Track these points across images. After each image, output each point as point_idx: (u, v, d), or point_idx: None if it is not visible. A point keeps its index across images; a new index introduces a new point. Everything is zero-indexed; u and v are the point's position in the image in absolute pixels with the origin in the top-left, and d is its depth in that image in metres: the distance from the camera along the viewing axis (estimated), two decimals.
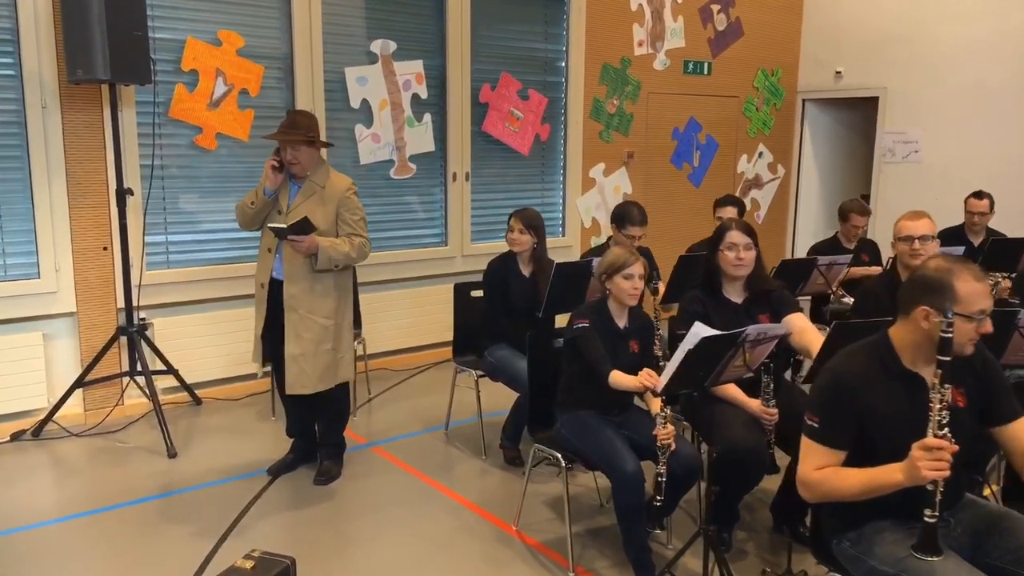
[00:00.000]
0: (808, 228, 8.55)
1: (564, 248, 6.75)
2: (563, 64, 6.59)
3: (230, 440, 4.55)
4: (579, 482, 4.02)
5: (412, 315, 6.00)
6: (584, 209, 6.86)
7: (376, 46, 5.60)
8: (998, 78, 6.83)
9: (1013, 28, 6.70)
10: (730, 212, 4.87)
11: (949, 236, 5.77)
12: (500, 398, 4.55)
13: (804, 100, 8.30)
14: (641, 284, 3.20)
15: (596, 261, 4.02)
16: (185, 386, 5.03)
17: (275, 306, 3.79)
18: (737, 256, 3.34)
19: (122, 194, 4.44)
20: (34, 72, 4.37)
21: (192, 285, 5.05)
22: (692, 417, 3.44)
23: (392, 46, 5.66)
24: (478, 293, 4.66)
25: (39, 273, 4.55)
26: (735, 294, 3.39)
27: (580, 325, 3.17)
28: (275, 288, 3.77)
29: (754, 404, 3.17)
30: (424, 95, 5.86)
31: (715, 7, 7.45)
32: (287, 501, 3.83)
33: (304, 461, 4.18)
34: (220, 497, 3.85)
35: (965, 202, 5.68)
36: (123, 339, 4.68)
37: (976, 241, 5.69)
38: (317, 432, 4.13)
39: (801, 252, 8.44)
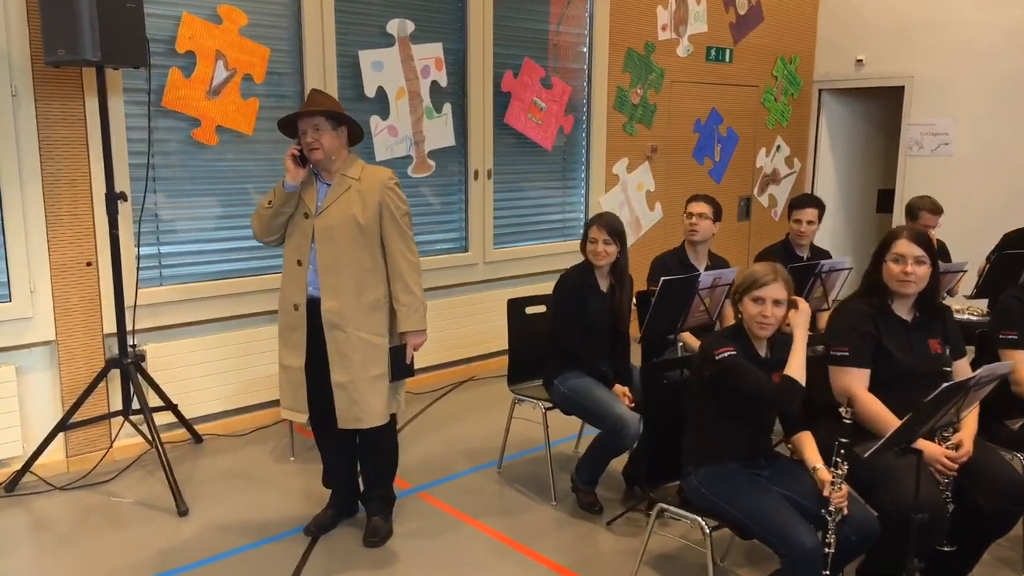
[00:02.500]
0: (825, 224, 8.10)
1: None
2: (585, 50, 5.99)
3: (247, 489, 3.85)
4: (673, 531, 3.44)
5: (431, 330, 5.32)
6: (608, 208, 6.28)
7: (393, 27, 4.92)
8: None
9: None
10: (810, 215, 4.35)
11: (1012, 241, 5.37)
12: (554, 426, 3.96)
13: (820, 90, 7.86)
14: (777, 312, 2.62)
15: (705, 275, 3.47)
16: (184, 422, 4.30)
17: (311, 329, 3.13)
18: (903, 270, 2.81)
19: (113, 199, 3.69)
20: (2, 52, 3.59)
21: (188, 304, 4.31)
22: (854, 467, 2.87)
23: (410, 27, 4.99)
24: (534, 310, 4.05)
25: (10, 295, 3.77)
26: (903, 310, 2.87)
27: (726, 354, 2.58)
28: (312, 308, 3.11)
29: (935, 449, 2.64)
30: (444, 83, 5.20)
31: None
32: (337, 570, 3.17)
33: (345, 516, 3.52)
34: (252, 569, 3.16)
35: None
36: (113, 371, 3.93)
37: None
38: (360, 480, 3.47)
39: None
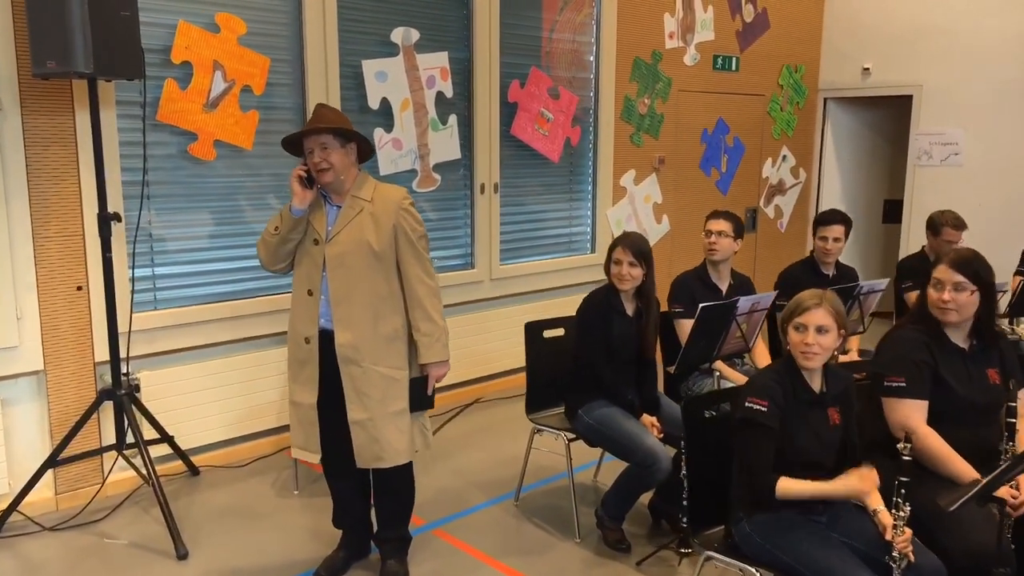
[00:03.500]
0: None
1: (594, 267, 5.98)
2: (592, 58, 5.81)
3: (250, 527, 3.62)
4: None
5: None
6: (615, 221, 6.10)
7: (397, 35, 4.71)
8: None
9: None
10: (837, 231, 4.17)
11: None
12: (575, 453, 3.75)
13: (826, 99, 7.72)
14: (822, 340, 2.41)
15: (744, 300, 3.27)
16: (180, 454, 4.06)
17: (323, 364, 2.91)
18: (940, 297, 2.64)
19: (106, 220, 3.45)
20: None
21: (184, 329, 4.08)
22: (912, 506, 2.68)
23: (415, 35, 4.78)
24: (552, 333, 3.85)
25: None
26: (959, 338, 2.69)
27: (756, 407, 2.38)
28: (325, 341, 2.89)
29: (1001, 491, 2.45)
30: (449, 93, 5.00)
31: None
32: None
33: (357, 558, 3.29)
34: None
35: None
36: (105, 403, 3.69)
37: None
38: (373, 519, 3.25)
39: None
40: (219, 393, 4.22)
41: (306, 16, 4.28)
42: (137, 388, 3.80)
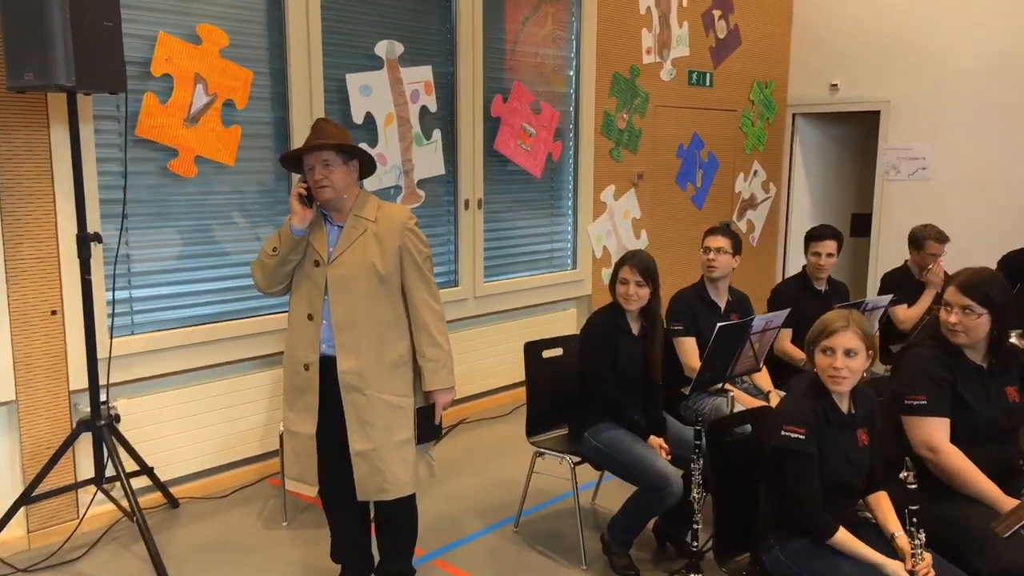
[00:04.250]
0: (799, 250, 8.03)
1: (575, 283, 5.92)
2: (572, 73, 5.76)
3: (238, 563, 3.44)
4: None
5: None
6: (595, 237, 6.05)
7: (381, 48, 4.59)
8: (1014, 92, 6.51)
9: None
10: (830, 247, 4.16)
11: (1013, 261, 5.32)
12: (566, 472, 3.66)
13: (794, 115, 7.81)
14: (851, 364, 2.36)
15: (758, 319, 3.22)
16: (160, 486, 3.86)
17: (323, 391, 2.76)
18: (947, 320, 2.63)
19: (86, 241, 3.27)
20: None
21: (163, 354, 3.88)
22: (930, 527, 2.64)
23: (399, 48, 4.67)
24: (551, 353, 3.76)
25: None
26: (978, 356, 2.67)
27: (794, 436, 2.33)
28: (325, 368, 2.75)
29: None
30: (433, 108, 4.89)
31: (716, 12, 6.83)
32: None
33: None
34: None
35: None
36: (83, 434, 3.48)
37: None
38: (375, 553, 3.11)
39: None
40: (199, 420, 4.03)
41: (290, 28, 4.14)
42: (117, 418, 3.60)
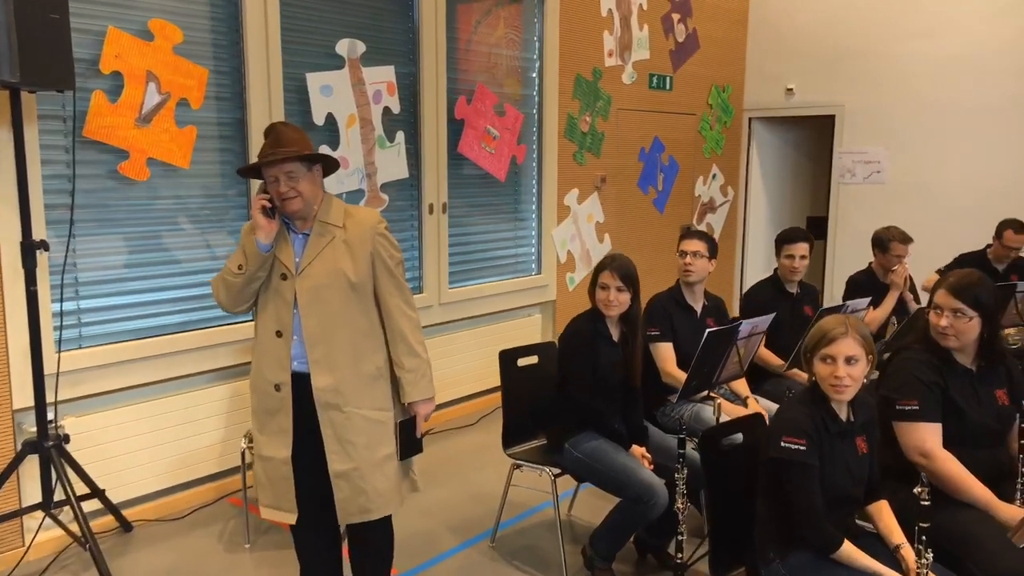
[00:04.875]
0: (757, 253, 8.11)
1: (540, 288, 5.82)
2: (535, 75, 5.67)
3: None
4: None
5: None
6: (560, 241, 5.96)
7: (342, 47, 4.43)
8: (966, 96, 6.64)
9: (980, 45, 6.52)
10: (803, 249, 4.14)
11: (968, 262, 5.40)
12: (538, 483, 3.55)
13: (751, 119, 7.85)
14: (853, 371, 2.29)
15: (746, 323, 3.15)
16: (112, 509, 3.63)
17: (298, 411, 2.56)
18: (938, 323, 2.59)
19: (32, 249, 3.04)
20: None
21: (113, 369, 3.66)
22: (933, 533, 2.59)
23: (360, 47, 4.51)
24: (526, 361, 3.65)
25: None
26: (967, 359, 2.64)
27: (794, 447, 2.25)
28: (298, 386, 2.54)
29: (1013, 511, 2.40)
30: (396, 109, 4.74)
31: (675, 16, 6.82)
32: None
33: None
34: None
35: (1000, 232, 5.30)
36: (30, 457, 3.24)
37: (1001, 267, 5.34)
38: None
39: (750, 279, 8.00)
40: (153, 438, 3.81)
41: (247, 24, 3.95)
42: (66, 438, 3.36)
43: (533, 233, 5.84)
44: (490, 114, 5.31)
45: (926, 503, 2.15)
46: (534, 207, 5.81)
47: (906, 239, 4.84)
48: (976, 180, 6.67)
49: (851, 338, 2.26)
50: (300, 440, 2.56)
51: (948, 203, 6.82)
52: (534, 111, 5.68)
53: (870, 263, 4.98)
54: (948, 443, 2.59)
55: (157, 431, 3.82)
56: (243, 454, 3.58)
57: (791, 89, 7.56)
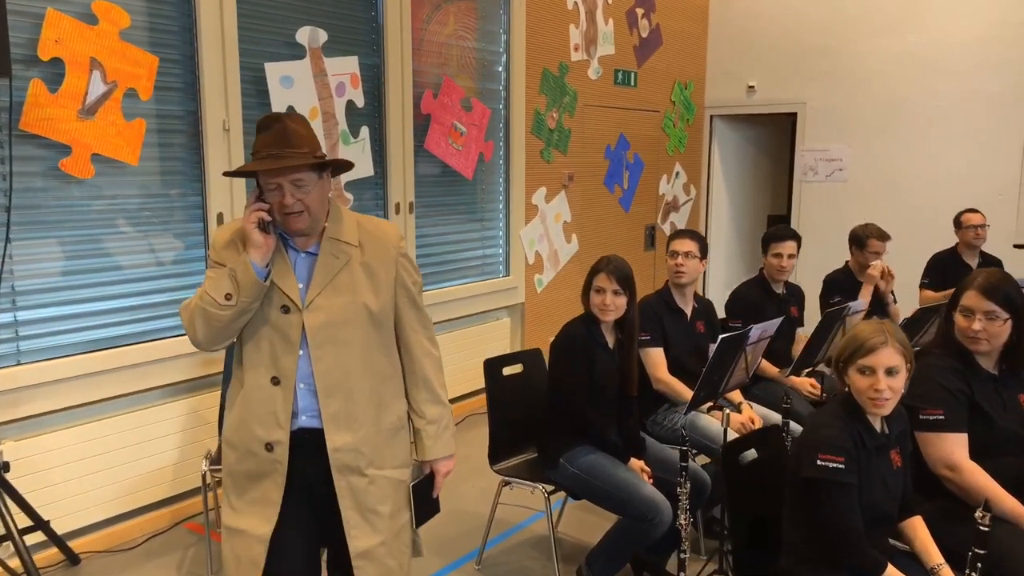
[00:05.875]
0: (719, 252, 8.03)
1: (509, 291, 5.60)
2: (501, 69, 5.45)
3: None
4: None
5: None
6: (528, 242, 5.75)
7: (303, 35, 4.14)
8: (928, 93, 6.65)
9: (942, 42, 6.53)
10: (791, 247, 4.01)
11: (941, 261, 5.38)
12: (521, 498, 3.34)
13: (712, 116, 7.77)
14: (894, 383, 2.12)
15: (755, 328, 2.98)
16: (57, 541, 3.28)
17: (295, 476, 2.04)
18: (970, 327, 2.46)
19: None
20: None
21: (57, 387, 3.32)
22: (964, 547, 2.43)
23: (322, 36, 4.22)
24: (512, 370, 3.43)
25: None
26: (989, 364, 2.51)
27: (834, 465, 2.08)
28: (302, 444, 2.03)
29: None
30: (361, 103, 4.47)
31: (639, 11, 6.68)
32: None
33: None
34: None
35: (958, 220, 5.27)
36: None
37: (974, 263, 5.31)
38: None
39: (713, 279, 7.92)
40: (100, 462, 3.47)
41: (200, 8, 3.64)
42: (6, 467, 3.01)
43: (501, 233, 5.62)
44: (457, 109, 5.07)
45: (985, 529, 1.99)
46: (502, 206, 5.58)
47: (884, 236, 4.76)
48: (938, 177, 6.69)
49: (891, 347, 2.10)
50: (291, 514, 2.04)
51: (911, 200, 6.83)
52: (501, 107, 5.46)
53: (847, 261, 4.89)
54: (974, 453, 2.45)
55: (105, 454, 3.48)
56: (204, 475, 3.27)
57: (752, 86, 7.50)
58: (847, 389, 2.18)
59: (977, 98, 6.42)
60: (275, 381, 2.00)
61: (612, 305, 2.98)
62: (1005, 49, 6.27)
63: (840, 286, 4.74)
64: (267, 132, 1.94)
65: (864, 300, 4.62)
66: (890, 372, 2.10)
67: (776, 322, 3.22)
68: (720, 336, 2.79)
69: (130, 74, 3.43)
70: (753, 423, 3.23)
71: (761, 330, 3.00)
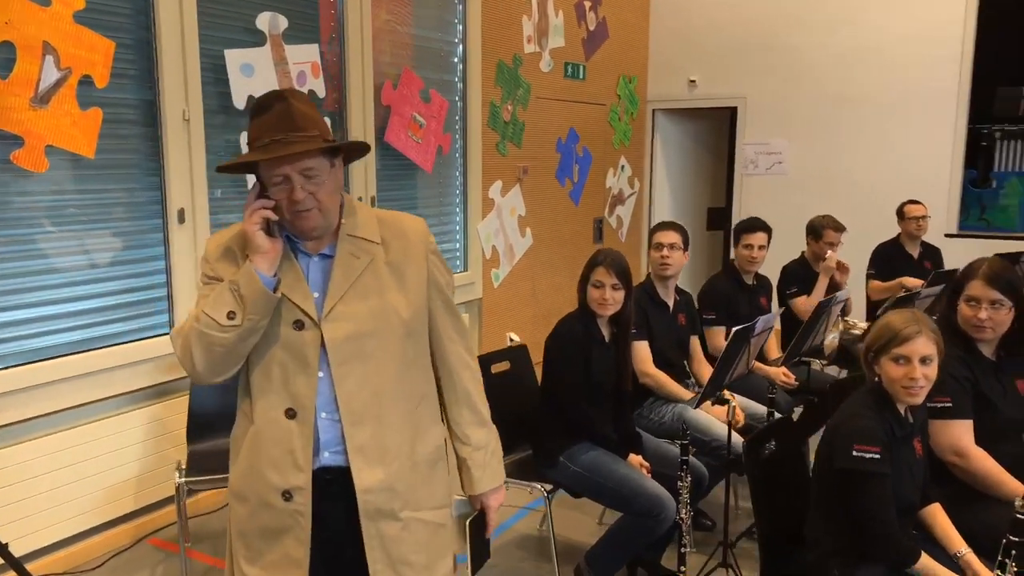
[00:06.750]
0: None
1: (467, 286, 5.51)
2: (457, 60, 5.34)
3: None
4: None
5: None
6: (485, 236, 5.67)
7: (263, 21, 3.94)
8: (864, 88, 6.87)
9: (879, 38, 6.76)
10: (762, 239, 4.05)
11: (885, 251, 5.54)
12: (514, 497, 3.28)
13: (654, 110, 7.84)
14: (928, 372, 2.15)
15: (761, 320, 2.97)
16: (14, 564, 3.02)
17: (321, 527, 1.72)
18: (977, 315, 2.52)
19: None
20: None
21: (9, 399, 3.06)
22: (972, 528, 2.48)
23: (283, 23, 4.03)
24: (499, 367, 3.35)
25: None
26: (989, 350, 2.58)
27: (870, 455, 2.09)
28: (326, 486, 1.70)
29: None
30: (321, 93, 4.29)
31: (587, 3, 6.66)
32: None
33: None
34: None
35: (901, 211, 5.45)
36: None
37: (916, 253, 5.50)
38: None
39: None
40: (58, 477, 3.23)
41: None
42: None
43: (458, 228, 5.51)
44: (416, 100, 4.93)
45: (1022, 516, 2.02)
46: (459, 200, 5.48)
47: (839, 227, 4.88)
48: (875, 170, 6.92)
49: (925, 336, 2.12)
50: (315, 571, 1.72)
51: (849, 193, 7.05)
52: (457, 99, 5.35)
53: (803, 252, 5.00)
54: (978, 439, 2.52)
55: (63, 468, 3.23)
56: (179, 487, 3.08)
57: (694, 81, 7.59)
58: (877, 379, 2.19)
59: (912, 94, 6.67)
60: (290, 413, 1.68)
61: (612, 299, 2.94)
62: (939, 46, 6.53)
63: (797, 276, 4.84)
64: (268, 113, 1.62)
65: (819, 291, 4.72)
66: (924, 361, 2.13)
67: (772, 315, 3.24)
68: (733, 329, 2.78)
69: (85, 60, 3.18)
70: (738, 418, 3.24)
71: (764, 321, 3.01)
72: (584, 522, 3.66)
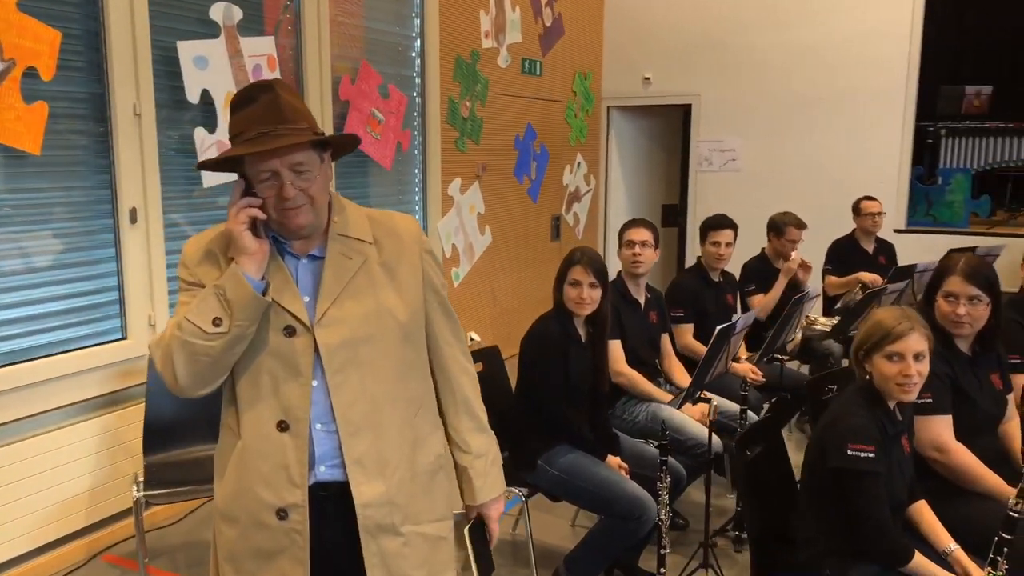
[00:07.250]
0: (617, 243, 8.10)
1: None
2: (415, 55, 5.23)
3: None
4: None
5: None
6: (445, 235, 5.57)
7: (217, 12, 3.77)
8: (816, 86, 6.96)
9: (830, 37, 6.85)
10: (728, 236, 4.05)
11: (841, 247, 5.61)
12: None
13: (609, 107, 7.83)
14: (922, 369, 2.16)
15: (741, 319, 2.94)
16: None
17: (318, 547, 1.63)
18: (955, 311, 2.53)
19: None
20: None
21: None
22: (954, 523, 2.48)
23: (237, 14, 3.87)
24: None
25: None
26: (965, 345, 2.60)
27: (865, 454, 2.07)
28: (324, 503, 1.61)
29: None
30: None
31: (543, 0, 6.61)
32: None
33: None
34: None
35: (857, 207, 5.52)
36: None
37: (870, 248, 5.58)
38: None
39: (613, 269, 8.00)
40: (5, 494, 3.04)
41: None
42: None
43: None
44: (375, 95, 4.81)
45: (1016, 515, 2.02)
46: (418, 198, 5.37)
47: (801, 225, 4.91)
48: (827, 167, 7.02)
49: (918, 332, 2.12)
50: None
51: (802, 189, 7.14)
52: (416, 94, 5.24)
53: (763, 248, 5.02)
54: (957, 434, 2.53)
55: (9, 484, 3.05)
56: (137, 501, 2.92)
57: (648, 78, 7.61)
58: (868, 377, 2.18)
59: (863, 92, 6.78)
60: (283, 426, 1.57)
61: (589, 299, 2.88)
62: (889, 45, 6.65)
63: (758, 273, 4.86)
64: (254, 105, 1.52)
65: (778, 289, 4.73)
66: (918, 357, 2.12)
67: (751, 315, 3.23)
68: (717, 328, 2.75)
69: (30, 51, 2.99)
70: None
71: (744, 320, 2.99)
72: (557, 525, 3.60)
